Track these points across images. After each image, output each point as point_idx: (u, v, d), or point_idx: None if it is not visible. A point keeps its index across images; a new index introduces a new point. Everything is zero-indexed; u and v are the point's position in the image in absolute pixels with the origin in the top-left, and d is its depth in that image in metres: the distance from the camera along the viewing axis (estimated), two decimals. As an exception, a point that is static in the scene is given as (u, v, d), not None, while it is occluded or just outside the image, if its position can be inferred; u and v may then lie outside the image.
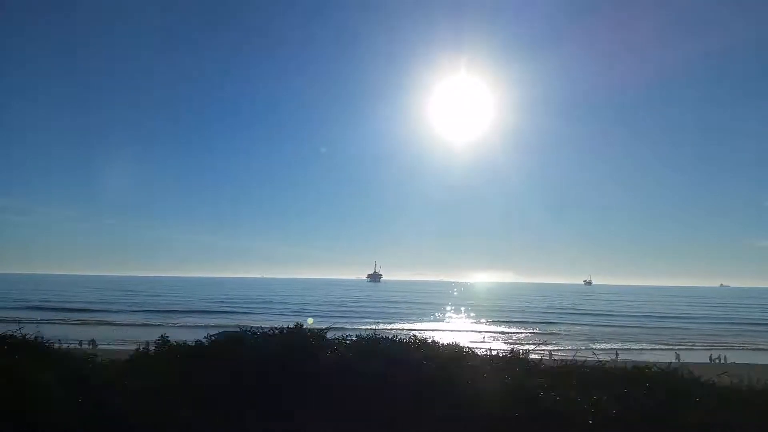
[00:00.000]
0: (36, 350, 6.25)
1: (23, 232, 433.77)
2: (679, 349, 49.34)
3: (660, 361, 9.54)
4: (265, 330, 6.98)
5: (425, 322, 79.52)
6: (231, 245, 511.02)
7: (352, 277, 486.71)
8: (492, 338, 58.48)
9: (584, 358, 7.23)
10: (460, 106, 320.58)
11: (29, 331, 6.75)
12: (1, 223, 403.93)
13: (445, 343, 7.26)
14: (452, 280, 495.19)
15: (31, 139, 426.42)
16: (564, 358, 10.15)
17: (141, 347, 7.38)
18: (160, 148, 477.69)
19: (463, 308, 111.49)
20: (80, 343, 39.45)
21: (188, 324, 69.47)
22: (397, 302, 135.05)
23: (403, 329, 58.66)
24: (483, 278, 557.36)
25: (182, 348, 6.83)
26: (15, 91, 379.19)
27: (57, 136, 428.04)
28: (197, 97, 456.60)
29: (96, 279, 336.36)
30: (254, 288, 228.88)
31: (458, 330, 68.23)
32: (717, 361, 39.06)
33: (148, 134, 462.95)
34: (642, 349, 53.28)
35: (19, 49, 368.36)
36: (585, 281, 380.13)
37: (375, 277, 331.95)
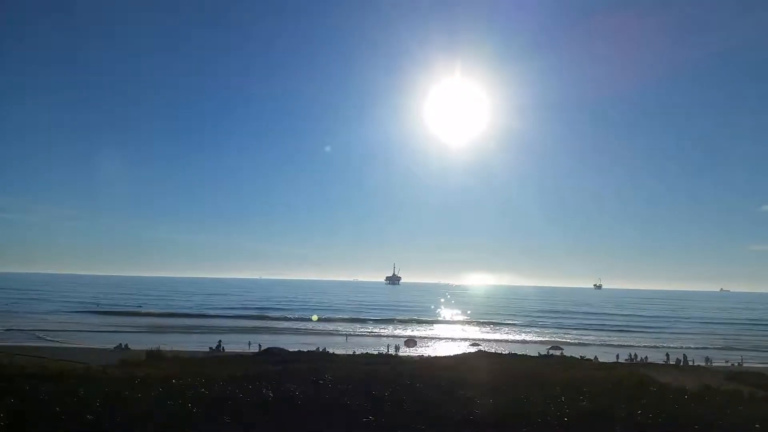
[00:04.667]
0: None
1: (21, 231, 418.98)
2: None
3: None
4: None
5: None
6: (225, 246, 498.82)
7: (349, 279, 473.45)
8: None
9: None
10: (459, 108, 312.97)
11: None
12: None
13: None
14: (452, 282, 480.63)
15: (30, 138, 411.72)
16: None
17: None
18: (161, 147, 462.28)
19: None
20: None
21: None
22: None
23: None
24: (489, 281, 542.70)
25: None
26: (14, 90, 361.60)
27: (55, 135, 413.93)
28: (197, 96, 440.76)
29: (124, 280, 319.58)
30: (310, 291, 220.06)
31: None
32: None
33: (146, 133, 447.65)
34: None
35: (19, 48, 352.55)
36: (595, 285, 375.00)
37: (394, 280, 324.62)
